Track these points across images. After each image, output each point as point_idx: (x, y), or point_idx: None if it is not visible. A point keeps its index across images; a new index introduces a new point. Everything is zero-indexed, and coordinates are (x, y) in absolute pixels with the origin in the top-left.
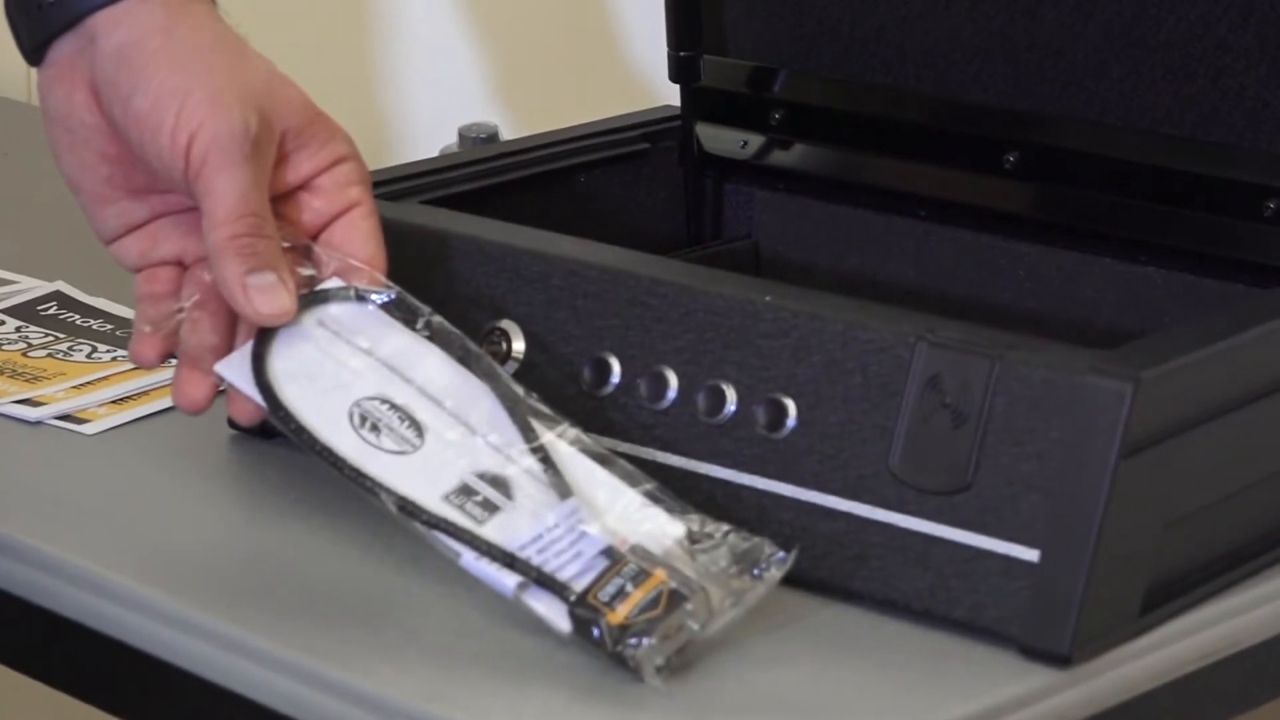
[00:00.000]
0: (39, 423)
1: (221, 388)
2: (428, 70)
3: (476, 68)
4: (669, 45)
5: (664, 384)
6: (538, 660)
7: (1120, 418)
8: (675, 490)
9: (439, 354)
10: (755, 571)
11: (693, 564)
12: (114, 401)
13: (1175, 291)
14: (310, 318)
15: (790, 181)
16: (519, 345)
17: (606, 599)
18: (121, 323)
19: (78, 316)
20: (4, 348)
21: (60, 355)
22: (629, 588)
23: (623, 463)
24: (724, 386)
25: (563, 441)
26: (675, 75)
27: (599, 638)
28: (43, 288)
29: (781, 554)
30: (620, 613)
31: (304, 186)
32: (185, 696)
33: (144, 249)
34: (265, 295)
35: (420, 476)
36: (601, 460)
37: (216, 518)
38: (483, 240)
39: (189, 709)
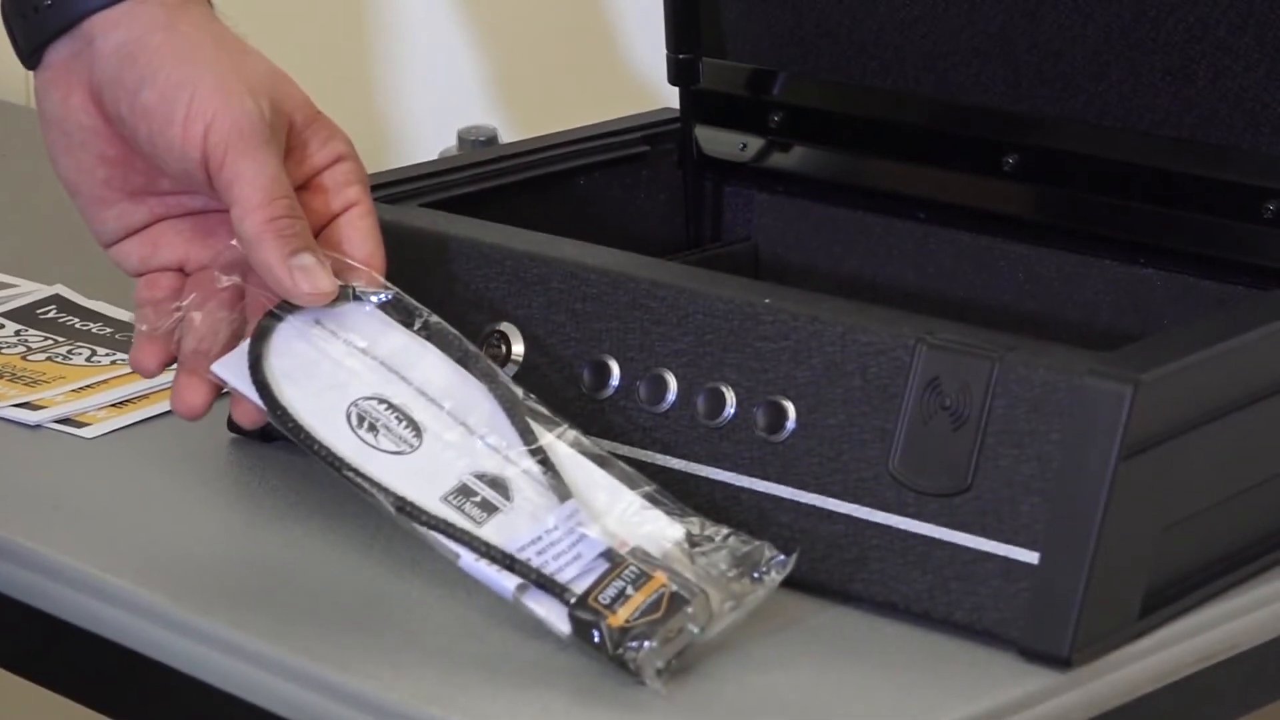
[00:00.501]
0: (38, 426)
1: (224, 392)
2: (427, 73)
3: (475, 71)
4: (668, 48)
5: (663, 387)
6: (538, 663)
7: (1120, 420)
8: (675, 493)
9: (437, 354)
10: (755, 574)
11: (693, 567)
12: (113, 405)
13: (1175, 293)
14: (308, 317)
15: (789, 184)
16: (518, 348)
17: (607, 601)
18: (121, 326)
19: (77, 320)
20: (3, 351)
21: (60, 359)
22: (630, 590)
23: (622, 464)
24: (723, 389)
25: (562, 443)
26: (674, 78)
27: (599, 640)
28: (42, 291)
29: (781, 557)
30: (621, 615)
31: (304, 186)
32: (185, 700)
33: (144, 254)
34: (309, 276)
35: (418, 477)
36: (601, 462)
37: (216, 521)
38: (482, 243)
39: (188, 712)
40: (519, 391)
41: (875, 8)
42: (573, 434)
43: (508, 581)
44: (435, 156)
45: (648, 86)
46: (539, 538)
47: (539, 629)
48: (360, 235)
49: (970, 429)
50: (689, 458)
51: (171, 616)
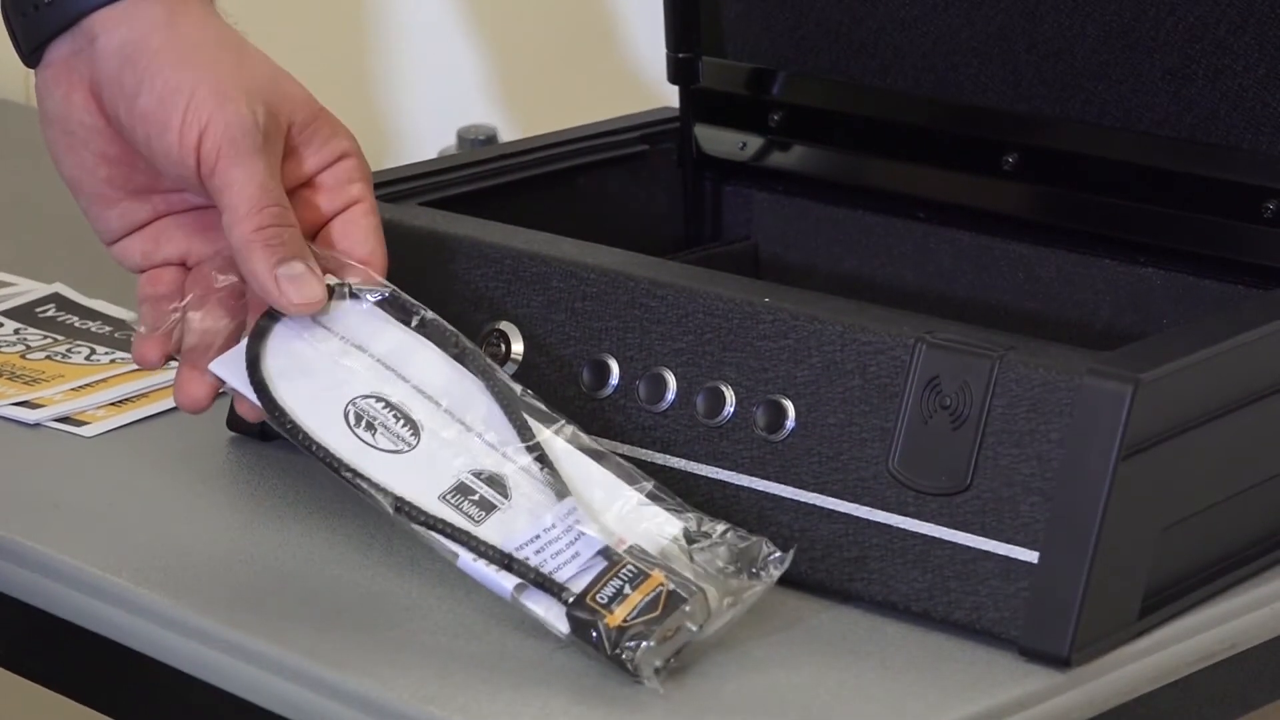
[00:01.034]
0: (38, 425)
1: (223, 388)
2: (426, 72)
3: (475, 69)
4: (668, 47)
5: (663, 386)
6: (536, 663)
7: (1120, 419)
8: (674, 492)
9: (434, 351)
10: (754, 570)
11: (691, 564)
12: (113, 404)
13: (1174, 293)
14: (304, 317)
15: (789, 183)
16: (518, 347)
17: (605, 601)
18: (120, 325)
19: (76, 318)
20: (2, 350)
21: (59, 357)
22: (627, 589)
23: (620, 460)
24: (723, 388)
25: (559, 439)
26: (674, 77)
27: (597, 640)
28: (41, 290)
29: (779, 553)
30: (618, 615)
31: (306, 183)
32: (184, 698)
33: (147, 250)
34: (297, 285)
35: (417, 475)
36: (598, 458)
37: (215, 520)
38: (481, 242)
39: (188, 711)
40: (517, 388)
41: (875, 7)
42: (570, 429)
43: (506, 581)
44: (435, 155)
45: (647, 85)
46: (537, 536)
47: (538, 628)
48: (361, 233)
49: (970, 428)
50: (688, 457)
51: (170, 615)
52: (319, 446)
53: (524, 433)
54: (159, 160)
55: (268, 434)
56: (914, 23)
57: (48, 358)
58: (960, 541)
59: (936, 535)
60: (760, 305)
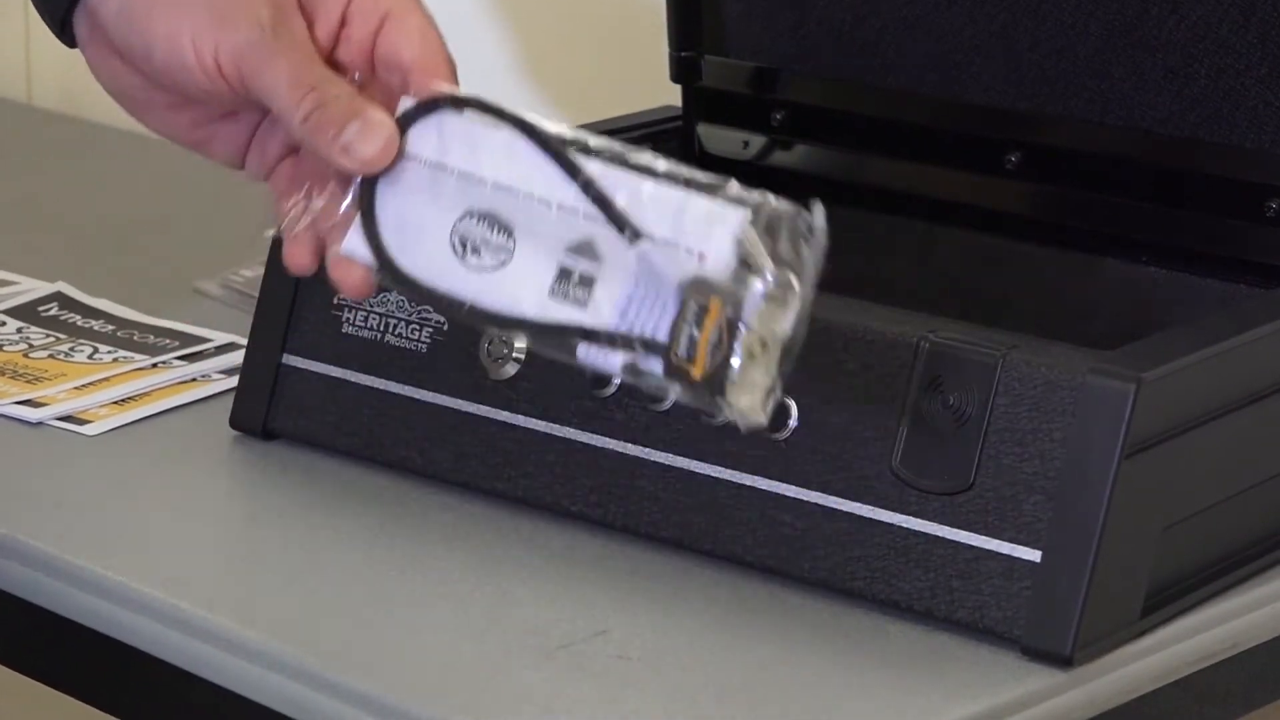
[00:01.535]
0: (40, 424)
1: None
2: None
3: (477, 68)
4: (670, 45)
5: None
6: (538, 662)
7: (1122, 418)
8: (677, 491)
9: (494, 133)
10: (801, 236)
11: (761, 256)
12: (115, 402)
13: (1177, 292)
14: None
15: (792, 182)
16: (520, 344)
17: (683, 354)
18: (122, 323)
19: (79, 317)
20: (5, 348)
21: (61, 356)
22: (694, 332)
23: (664, 159)
24: None
25: (598, 163)
26: (676, 75)
27: (698, 395)
28: (44, 288)
29: (805, 214)
30: (698, 364)
31: (341, 25)
32: (185, 696)
33: (259, 159)
34: (360, 143)
35: (524, 279)
36: (643, 170)
37: (217, 519)
38: None
39: (190, 709)
40: (553, 130)
41: (878, 6)
42: (600, 142)
43: (615, 360)
44: None
45: (649, 84)
46: (629, 298)
47: (538, 628)
48: (405, 37)
49: (973, 427)
50: (691, 456)
51: (172, 613)
52: (444, 300)
53: (575, 174)
54: (203, 98)
55: (270, 432)
56: (917, 22)
57: (50, 356)
58: (963, 541)
59: (939, 534)
60: None
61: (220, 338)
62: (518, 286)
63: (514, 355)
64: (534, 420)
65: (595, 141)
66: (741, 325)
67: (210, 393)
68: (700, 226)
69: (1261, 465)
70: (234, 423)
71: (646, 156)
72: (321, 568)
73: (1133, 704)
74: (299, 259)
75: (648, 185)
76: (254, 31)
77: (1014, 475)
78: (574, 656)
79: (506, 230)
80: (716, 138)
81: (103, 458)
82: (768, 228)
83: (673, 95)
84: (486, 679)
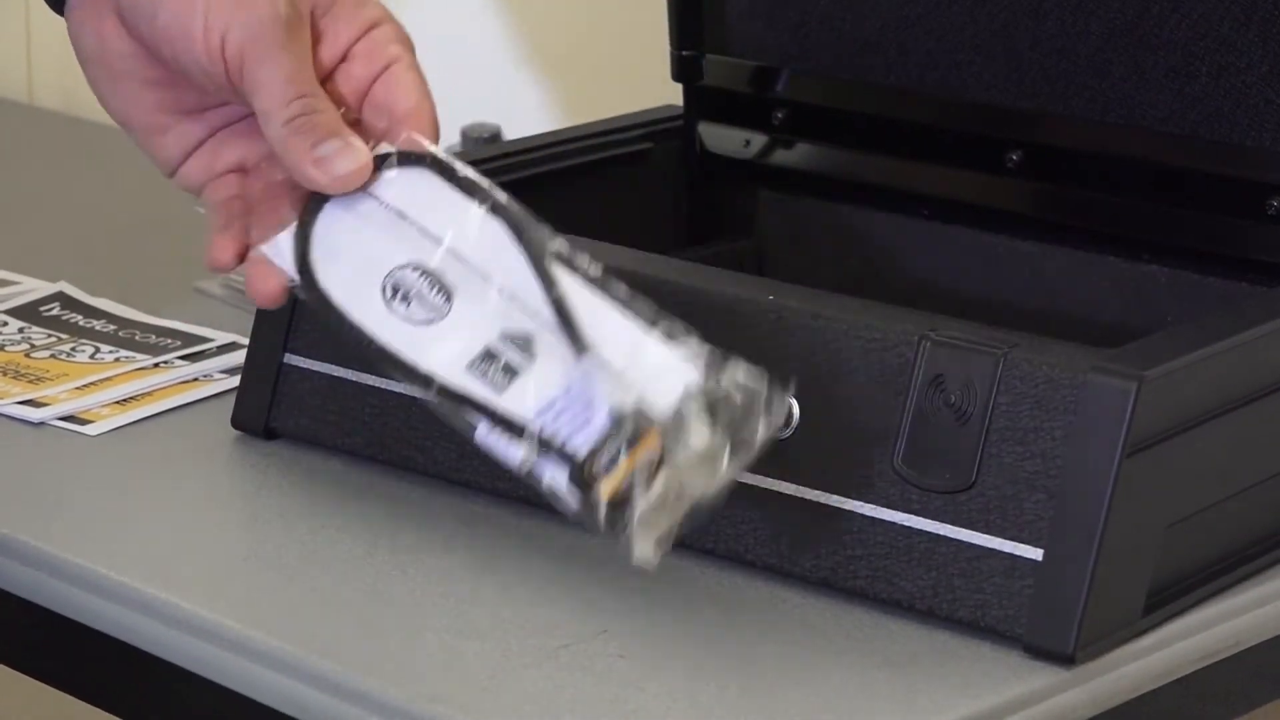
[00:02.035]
0: (42, 424)
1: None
2: (430, 70)
3: (479, 68)
4: (671, 44)
5: None
6: (540, 661)
7: (1124, 416)
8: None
9: (471, 206)
10: (763, 415)
11: (700, 415)
12: (117, 402)
13: (1178, 290)
14: (352, 191)
15: (793, 181)
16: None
17: (603, 468)
18: (124, 323)
19: (80, 317)
20: (7, 348)
21: (63, 356)
22: (622, 456)
23: (640, 300)
24: None
25: (580, 284)
26: (678, 74)
27: (593, 508)
28: (45, 289)
29: (780, 394)
30: (612, 483)
31: (342, 59)
32: (187, 696)
33: (206, 165)
34: (335, 160)
35: (447, 344)
36: (620, 300)
37: (219, 518)
38: None
39: (191, 709)
40: (546, 233)
41: (878, 5)
42: (595, 266)
43: (515, 453)
44: None
45: (651, 83)
46: (553, 402)
47: (540, 627)
48: (403, 88)
49: (974, 426)
50: None
51: (174, 613)
52: (351, 328)
53: (546, 282)
54: (191, 72)
55: (271, 432)
56: (917, 20)
57: (52, 356)
58: (964, 539)
59: (941, 533)
60: (764, 303)
61: (222, 337)
62: (437, 347)
63: None
64: None
65: (580, 259)
66: (667, 468)
67: (212, 392)
68: (656, 369)
69: (1263, 463)
70: (235, 422)
71: (623, 290)
72: (323, 567)
73: (1134, 702)
74: (222, 258)
75: (615, 316)
76: (269, 16)
77: (1016, 474)
78: (574, 656)
79: (446, 294)
80: (717, 136)
81: (104, 458)
82: (726, 397)
83: (674, 94)
84: (487, 679)
